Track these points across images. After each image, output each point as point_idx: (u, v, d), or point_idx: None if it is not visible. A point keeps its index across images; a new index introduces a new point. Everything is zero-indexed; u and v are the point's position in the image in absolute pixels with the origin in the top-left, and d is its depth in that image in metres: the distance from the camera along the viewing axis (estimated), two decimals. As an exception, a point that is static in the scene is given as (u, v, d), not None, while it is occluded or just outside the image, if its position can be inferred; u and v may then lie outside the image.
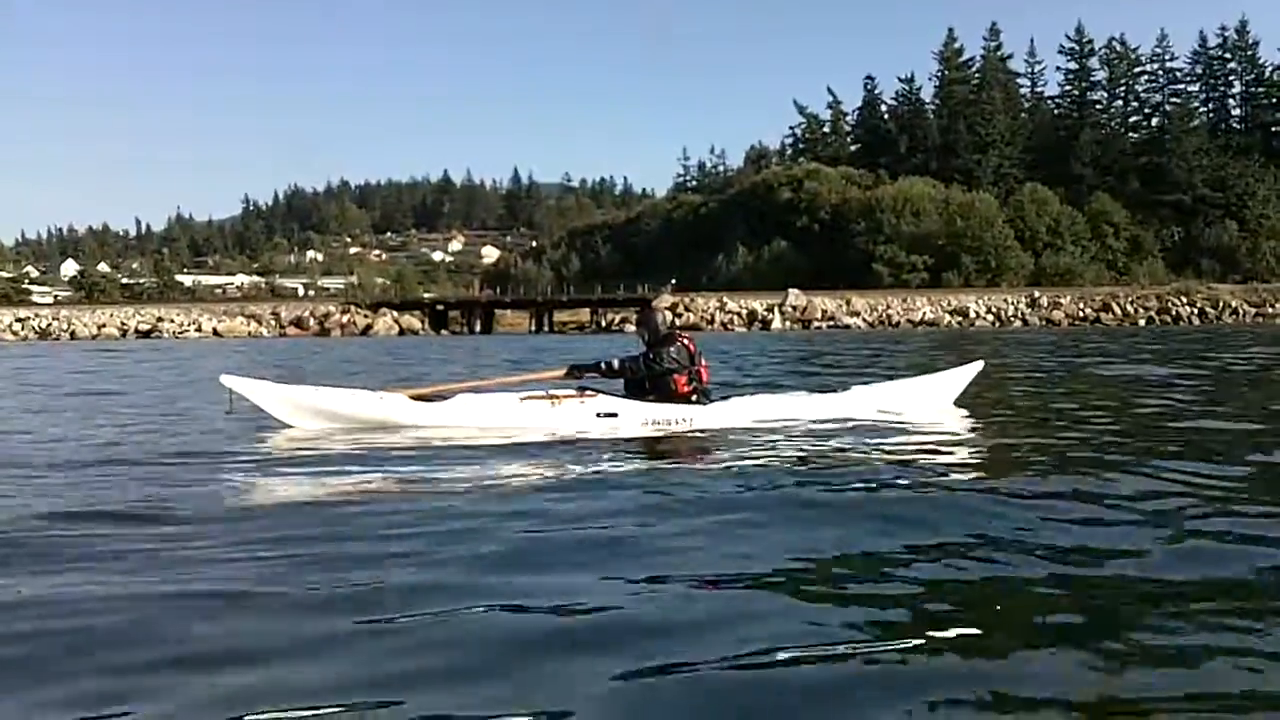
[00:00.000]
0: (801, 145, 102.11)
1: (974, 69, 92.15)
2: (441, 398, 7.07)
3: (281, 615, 2.66)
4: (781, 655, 2.29)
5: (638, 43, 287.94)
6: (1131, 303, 56.48)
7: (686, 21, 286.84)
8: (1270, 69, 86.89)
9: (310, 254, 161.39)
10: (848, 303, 57.32)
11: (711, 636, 2.42)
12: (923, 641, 2.38)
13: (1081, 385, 11.21)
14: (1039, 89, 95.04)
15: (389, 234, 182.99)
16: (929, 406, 7.56)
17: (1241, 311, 54.74)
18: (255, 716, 2.02)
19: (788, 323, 54.99)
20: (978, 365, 7.98)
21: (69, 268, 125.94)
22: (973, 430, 6.71)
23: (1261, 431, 6.39)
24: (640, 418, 6.74)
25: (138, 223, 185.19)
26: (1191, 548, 3.25)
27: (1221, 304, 55.53)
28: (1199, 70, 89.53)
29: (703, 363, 7.11)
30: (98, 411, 9.22)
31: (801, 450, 5.68)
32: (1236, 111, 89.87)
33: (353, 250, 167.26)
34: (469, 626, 2.55)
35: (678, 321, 51.84)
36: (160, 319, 60.00)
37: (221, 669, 2.27)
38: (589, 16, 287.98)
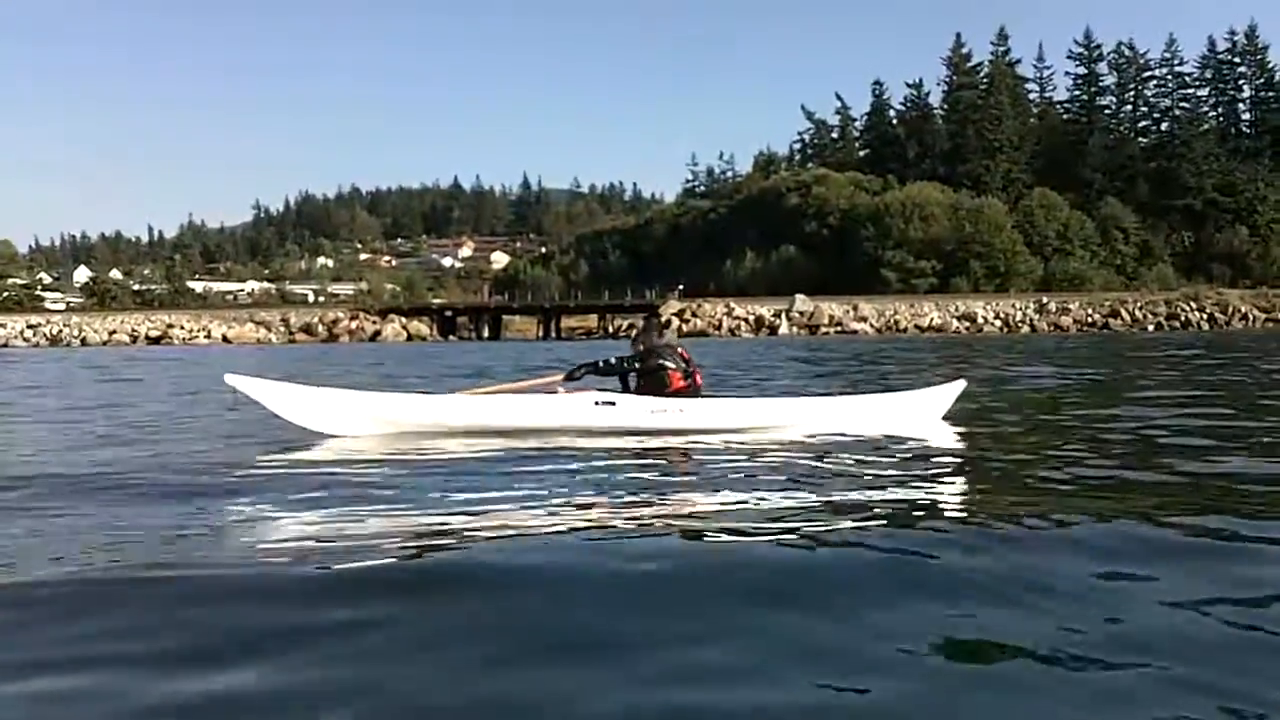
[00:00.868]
0: (810, 151, 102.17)
1: (982, 74, 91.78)
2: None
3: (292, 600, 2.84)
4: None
5: (646, 49, 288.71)
6: (1140, 308, 56.29)
7: (695, 28, 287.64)
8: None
9: (321, 260, 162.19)
10: (855, 308, 57.23)
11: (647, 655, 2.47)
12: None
13: (1076, 398, 11.25)
14: (1047, 94, 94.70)
15: (399, 240, 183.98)
16: (913, 421, 7.70)
17: (1251, 317, 54.54)
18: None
19: (795, 329, 54.98)
20: (960, 384, 8.18)
21: (81, 274, 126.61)
22: (948, 448, 6.77)
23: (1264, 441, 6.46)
24: (637, 406, 7.25)
25: (150, 229, 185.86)
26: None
27: (1231, 309, 55.31)
28: (1208, 74, 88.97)
29: (695, 367, 7.62)
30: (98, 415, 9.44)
31: (782, 458, 5.87)
32: (1246, 116, 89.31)
33: (363, 256, 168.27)
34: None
35: (684, 328, 52.13)
36: (170, 325, 60.57)
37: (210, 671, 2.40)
38: (597, 23, 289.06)
